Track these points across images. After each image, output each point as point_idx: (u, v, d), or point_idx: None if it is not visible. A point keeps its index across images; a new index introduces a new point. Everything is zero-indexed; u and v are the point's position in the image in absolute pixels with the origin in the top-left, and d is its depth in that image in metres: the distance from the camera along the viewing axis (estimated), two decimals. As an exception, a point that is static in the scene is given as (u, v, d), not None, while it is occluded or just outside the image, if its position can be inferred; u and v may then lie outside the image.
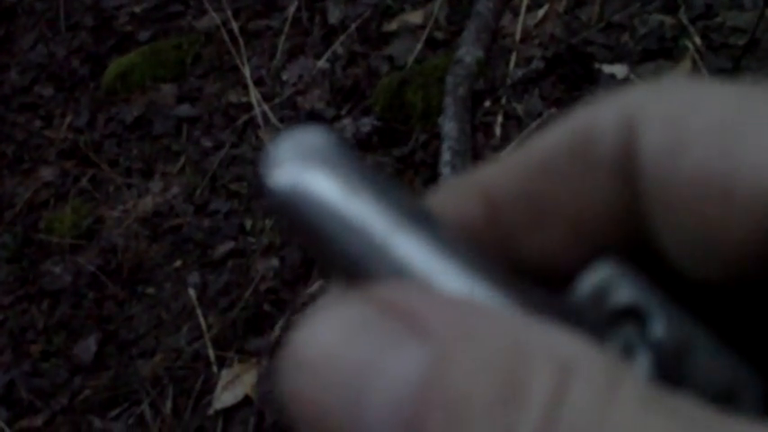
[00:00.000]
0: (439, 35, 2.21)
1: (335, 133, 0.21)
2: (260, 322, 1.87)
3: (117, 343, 1.99)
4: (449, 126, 1.88)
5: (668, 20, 1.98)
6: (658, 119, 0.20)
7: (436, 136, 1.93)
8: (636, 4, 2.03)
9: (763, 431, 0.16)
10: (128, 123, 2.44)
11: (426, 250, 0.19)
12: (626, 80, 1.90)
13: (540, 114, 1.92)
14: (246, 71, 2.33)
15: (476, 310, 0.18)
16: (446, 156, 1.83)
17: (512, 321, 0.17)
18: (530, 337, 0.17)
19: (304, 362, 0.18)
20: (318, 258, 0.20)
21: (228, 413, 1.76)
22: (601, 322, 0.20)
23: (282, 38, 2.38)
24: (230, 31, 2.44)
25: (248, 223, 2.07)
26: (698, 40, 1.91)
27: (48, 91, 2.67)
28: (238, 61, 2.37)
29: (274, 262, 1.95)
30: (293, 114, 2.22)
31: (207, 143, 2.29)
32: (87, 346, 1.99)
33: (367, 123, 2.07)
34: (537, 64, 2.00)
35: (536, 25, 2.11)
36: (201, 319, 1.91)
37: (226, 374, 1.80)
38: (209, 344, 1.86)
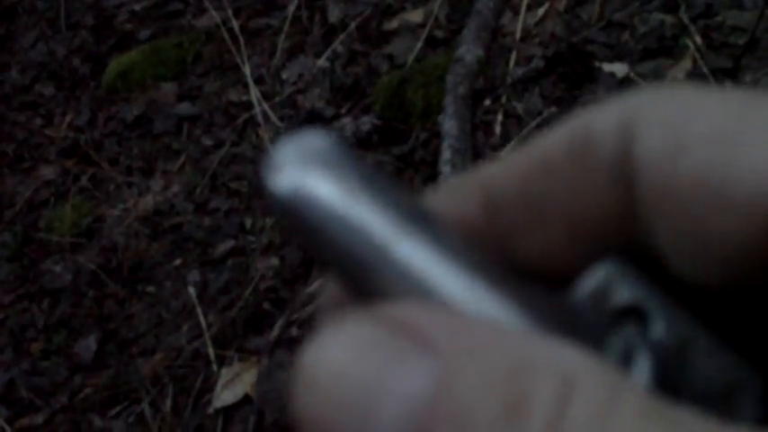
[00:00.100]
0: (439, 34, 2.21)
1: (337, 136, 0.21)
2: (260, 321, 1.87)
3: (117, 341, 1.99)
4: (449, 124, 1.88)
5: (669, 19, 1.98)
6: (657, 123, 0.20)
7: (436, 134, 1.93)
8: (636, 3, 2.03)
9: None
10: (128, 122, 2.44)
11: (428, 253, 0.19)
12: (626, 79, 1.89)
13: (540, 113, 1.92)
14: (247, 70, 2.33)
15: (481, 327, 0.18)
16: (446, 154, 1.83)
17: (516, 336, 0.18)
18: (534, 352, 0.17)
19: (314, 381, 0.18)
20: (321, 260, 0.20)
21: (228, 412, 1.76)
22: (602, 322, 0.20)
23: (282, 36, 2.38)
24: (230, 30, 2.44)
25: (248, 222, 2.07)
26: (698, 39, 1.91)
27: (48, 90, 2.67)
28: (238, 60, 2.37)
29: (274, 261, 1.95)
30: (293, 113, 2.22)
31: (207, 142, 2.29)
32: (87, 345, 2.00)
33: (367, 122, 2.07)
34: (537, 63, 2.00)
35: (536, 24, 2.11)
36: (201, 318, 1.91)
37: (226, 373, 1.80)
38: (209, 342, 1.86)
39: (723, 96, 0.20)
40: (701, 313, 0.21)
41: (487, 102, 1.98)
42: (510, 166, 0.22)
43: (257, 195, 2.10)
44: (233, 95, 2.36)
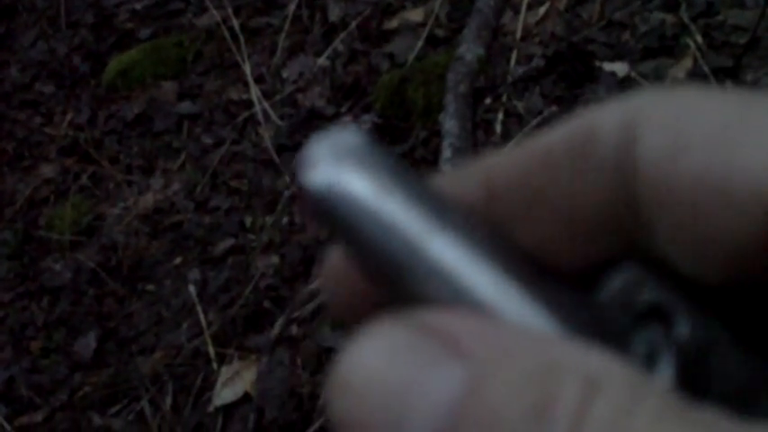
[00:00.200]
0: (439, 33, 2.21)
1: (369, 133, 0.21)
2: (260, 319, 1.87)
3: (117, 340, 1.99)
4: (449, 123, 1.88)
5: (669, 18, 1.98)
6: (659, 124, 0.20)
7: (437, 133, 1.93)
8: (637, 2, 2.03)
9: None
10: (128, 120, 2.44)
11: (459, 251, 0.20)
12: (627, 78, 1.89)
13: (540, 112, 1.92)
14: (247, 68, 2.33)
15: (510, 331, 0.19)
16: (447, 153, 1.83)
17: (544, 340, 0.19)
18: (561, 355, 0.18)
19: (349, 385, 0.19)
20: (354, 256, 0.21)
21: (228, 410, 1.76)
22: (627, 323, 0.20)
23: (283, 35, 2.38)
24: (231, 29, 2.44)
25: (248, 220, 2.07)
26: (699, 39, 1.91)
27: (48, 88, 2.67)
28: (239, 58, 2.37)
29: (274, 259, 1.95)
30: (293, 112, 2.22)
31: (207, 140, 2.29)
32: (87, 343, 1.99)
33: (367, 121, 2.07)
34: (538, 62, 2.00)
35: (537, 23, 2.11)
36: (201, 316, 1.91)
37: (225, 371, 1.80)
38: (208, 341, 1.86)
39: (723, 97, 0.20)
40: (711, 311, 0.21)
41: (488, 100, 1.99)
42: (512, 158, 0.22)
43: (257, 194, 2.10)
44: (233, 94, 2.36)
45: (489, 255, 0.20)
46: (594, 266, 0.22)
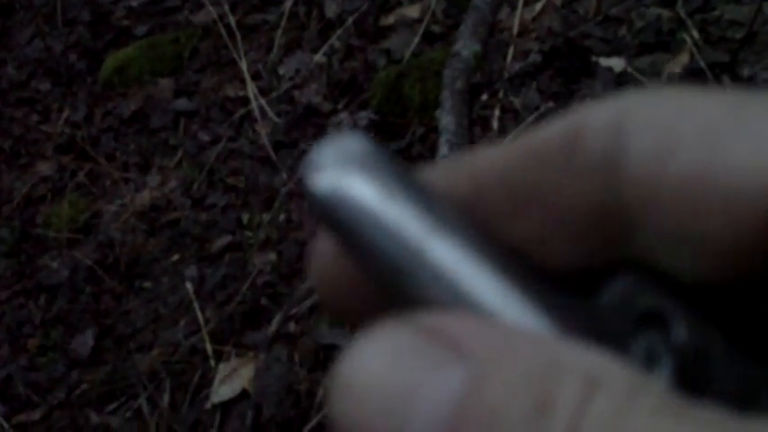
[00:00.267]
0: (436, 29, 2.21)
1: (374, 139, 0.22)
2: (257, 316, 1.87)
3: (114, 337, 1.99)
4: (446, 119, 1.88)
5: (666, 13, 1.98)
6: (647, 124, 0.20)
7: (434, 129, 1.93)
8: (633, -2, 2.03)
9: None
10: (125, 118, 2.44)
11: (460, 256, 0.20)
12: (623, 73, 1.89)
13: (537, 108, 1.92)
14: (243, 65, 2.33)
15: (511, 333, 0.19)
16: (444, 149, 1.83)
17: (544, 341, 0.19)
18: (561, 354, 0.18)
19: (351, 388, 0.19)
20: (356, 260, 0.21)
21: (226, 407, 1.76)
22: (626, 327, 0.20)
23: (279, 32, 2.38)
24: (227, 26, 2.44)
25: (245, 217, 2.07)
26: (695, 34, 1.90)
27: (45, 86, 2.66)
28: (235, 55, 2.37)
29: (271, 256, 1.95)
30: (290, 108, 2.22)
31: (204, 137, 2.29)
32: (84, 341, 1.99)
33: (364, 117, 2.07)
34: (534, 57, 2.00)
35: (533, 19, 2.11)
36: (199, 313, 1.91)
37: (223, 368, 1.80)
38: (206, 338, 1.86)
39: (711, 97, 0.20)
40: (708, 314, 0.21)
41: (485, 97, 1.98)
42: (500, 155, 0.22)
43: (254, 191, 2.10)
44: (230, 91, 2.36)
45: (489, 259, 0.20)
46: (592, 271, 0.22)
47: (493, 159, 0.23)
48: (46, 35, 2.78)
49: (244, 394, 1.75)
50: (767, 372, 0.21)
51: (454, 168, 0.23)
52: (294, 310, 1.81)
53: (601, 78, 1.90)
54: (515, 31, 2.09)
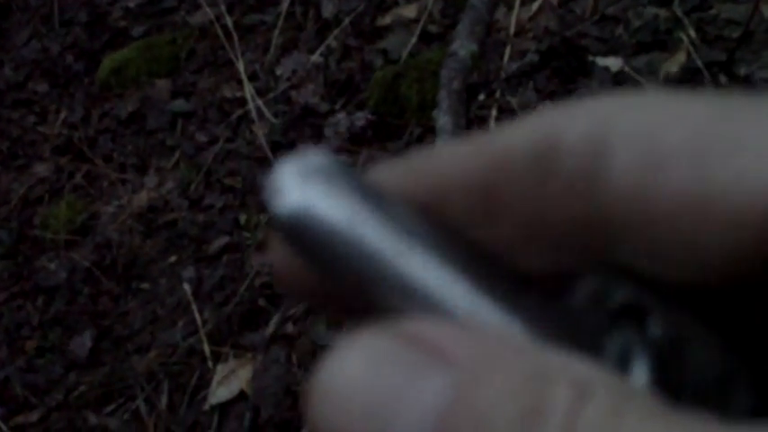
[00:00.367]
0: (433, 29, 2.21)
1: (335, 154, 0.21)
2: (255, 317, 1.87)
3: (112, 339, 1.99)
4: (443, 120, 1.88)
5: (662, 12, 1.98)
6: (630, 137, 0.20)
7: (431, 130, 1.93)
8: (630, -3, 2.03)
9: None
10: (122, 119, 2.44)
11: (432, 265, 0.20)
12: (620, 73, 1.89)
13: (534, 107, 1.92)
14: (240, 66, 2.33)
15: (492, 339, 0.19)
16: (440, 149, 1.83)
17: (528, 348, 0.19)
18: (547, 362, 0.18)
19: (332, 393, 0.18)
20: (326, 276, 0.21)
21: (224, 408, 1.76)
22: (600, 324, 0.20)
23: (276, 32, 2.38)
24: (224, 26, 2.44)
25: (243, 218, 2.07)
26: (692, 33, 1.90)
27: (42, 87, 2.66)
28: (232, 56, 2.37)
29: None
30: (287, 109, 2.22)
31: (201, 138, 2.29)
32: (82, 342, 1.99)
33: (361, 117, 2.07)
34: (531, 57, 2.00)
35: (530, 18, 2.10)
36: (196, 315, 1.91)
37: (221, 369, 1.80)
38: (204, 339, 1.86)
39: (696, 104, 0.20)
40: (684, 306, 0.21)
41: (482, 96, 1.98)
42: (468, 158, 0.22)
43: (252, 192, 2.10)
44: (227, 92, 2.36)
45: (461, 265, 0.20)
46: (561, 270, 0.22)
47: (458, 163, 0.22)
48: (43, 36, 2.78)
49: (242, 395, 1.75)
50: (742, 361, 0.21)
51: (416, 170, 0.22)
52: (292, 311, 1.81)
53: (598, 78, 1.90)
54: (512, 30, 2.09)
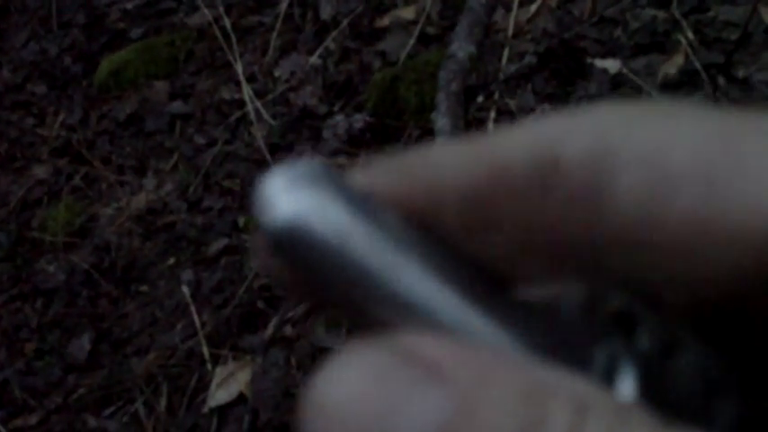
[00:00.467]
0: (431, 30, 2.21)
1: (323, 163, 0.21)
2: (254, 320, 1.87)
3: (111, 341, 1.99)
4: (442, 122, 1.88)
5: (661, 14, 1.98)
6: (635, 156, 0.20)
7: (429, 132, 1.93)
8: (628, -1, 2.03)
9: None
10: (120, 121, 2.44)
11: (423, 282, 0.20)
12: (618, 75, 1.89)
13: (533, 109, 1.92)
14: (239, 68, 2.33)
15: (488, 354, 0.19)
16: (439, 152, 1.83)
17: (524, 363, 0.19)
18: (547, 381, 0.18)
19: (327, 407, 0.18)
20: (318, 291, 0.20)
21: (223, 411, 1.76)
22: (589, 334, 0.20)
23: (274, 34, 2.38)
24: (222, 28, 2.44)
25: (242, 220, 2.06)
26: (690, 35, 1.91)
27: (40, 89, 2.66)
28: (231, 58, 2.36)
29: (268, 259, 1.95)
30: (286, 111, 2.22)
31: (200, 140, 2.29)
32: (81, 345, 1.99)
33: (360, 119, 2.07)
34: (529, 59, 2.00)
35: (528, 20, 2.11)
36: (195, 317, 1.91)
37: (220, 372, 1.80)
38: (203, 341, 1.86)
39: (700, 121, 0.20)
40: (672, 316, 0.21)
41: (480, 98, 1.98)
42: (465, 164, 0.22)
43: (250, 194, 2.10)
44: (225, 93, 2.35)
45: (452, 279, 0.20)
46: (554, 278, 0.22)
47: (455, 169, 0.22)
48: (41, 38, 2.78)
49: (241, 398, 1.75)
50: (728, 370, 0.21)
51: (412, 174, 0.22)
52: (291, 314, 1.81)
53: (596, 80, 1.90)
54: (510, 32, 2.09)
